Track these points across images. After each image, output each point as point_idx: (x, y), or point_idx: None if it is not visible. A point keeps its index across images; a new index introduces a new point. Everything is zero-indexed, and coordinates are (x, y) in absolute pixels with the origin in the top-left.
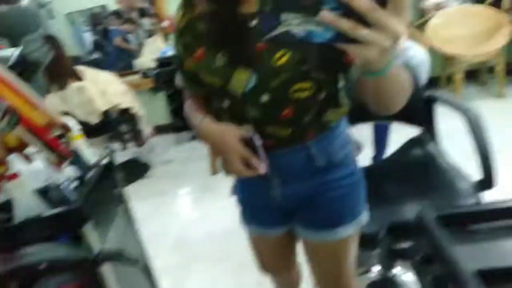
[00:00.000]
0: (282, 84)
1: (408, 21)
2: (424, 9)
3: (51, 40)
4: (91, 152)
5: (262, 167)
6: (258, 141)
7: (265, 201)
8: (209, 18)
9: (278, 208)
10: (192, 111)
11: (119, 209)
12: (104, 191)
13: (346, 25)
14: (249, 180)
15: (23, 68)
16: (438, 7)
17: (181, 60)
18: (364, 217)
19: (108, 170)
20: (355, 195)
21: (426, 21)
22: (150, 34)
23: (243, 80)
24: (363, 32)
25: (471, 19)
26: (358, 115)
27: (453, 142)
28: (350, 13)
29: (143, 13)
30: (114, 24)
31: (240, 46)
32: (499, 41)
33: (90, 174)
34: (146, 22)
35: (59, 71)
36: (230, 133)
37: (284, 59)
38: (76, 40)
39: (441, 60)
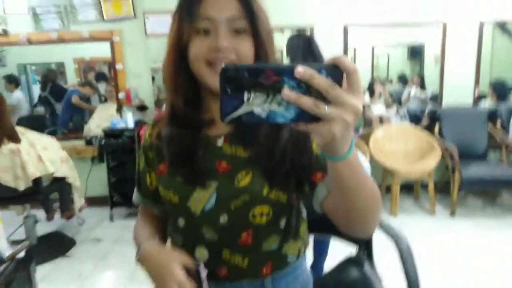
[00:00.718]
0: (242, 206)
1: (363, 101)
2: (369, 120)
3: None
4: (4, 244)
5: None
6: (203, 273)
7: None
8: (170, 140)
9: None
10: (139, 231)
11: None
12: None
13: (308, 102)
14: None
15: None
16: (381, 119)
17: (142, 177)
18: None
19: (23, 264)
20: None
21: (370, 132)
22: (104, 99)
23: (202, 199)
24: (325, 109)
25: (408, 138)
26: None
27: (388, 263)
28: (310, 91)
29: (100, 77)
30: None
31: (200, 167)
32: (431, 162)
33: (3, 268)
34: (101, 86)
35: None
36: (173, 261)
37: (247, 180)
38: (25, 94)
39: (380, 171)
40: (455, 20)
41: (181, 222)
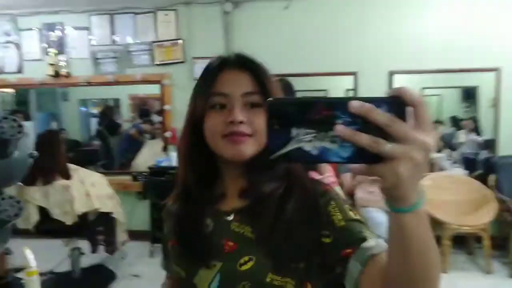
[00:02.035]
0: None
1: (436, 136)
2: None
3: (52, 134)
4: None
5: None
6: None
7: None
8: (179, 217)
9: None
10: None
11: None
12: None
13: (365, 139)
14: None
15: None
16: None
17: (163, 242)
18: None
19: None
20: None
21: None
22: (152, 137)
23: (208, 277)
24: (387, 146)
25: (460, 187)
26: None
27: None
28: (367, 127)
29: (148, 114)
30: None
31: (208, 244)
32: (486, 216)
33: None
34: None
35: (51, 166)
36: None
37: (249, 265)
38: (83, 126)
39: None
40: (509, 65)
41: None
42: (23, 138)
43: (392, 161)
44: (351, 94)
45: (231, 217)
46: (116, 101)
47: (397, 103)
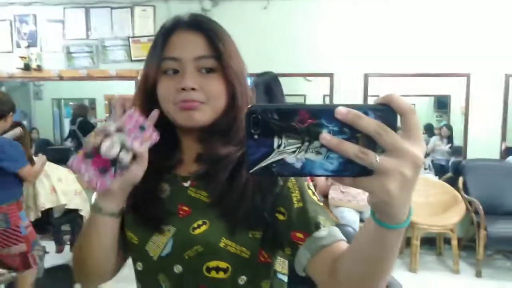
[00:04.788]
0: (196, 257)
1: (425, 149)
2: None
3: (18, 125)
4: None
5: None
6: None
7: None
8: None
9: None
10: None
11: None
12: None
13: (353, 149)
14: None
15: None
16: None
17: None
18: None
19: None
20: None
21: None
22: None
23: (160, 244)
24: (375, 158)
25: (430, 189)
26: None
27: None
28: (355, 138)
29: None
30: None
31: (161, 209)
32: (454, 217)
33: None
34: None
35: None
36: None
37: (202, 229)
38: (55, 125)
39: None
40: (480, 72)
41: (139, 266)
42: None
43: (382, 176)
44: (327, 98)
45: (187, 183)
46: (92, 100)
47: (386, 111)
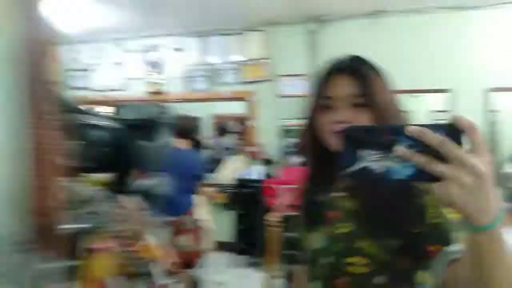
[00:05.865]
0: (338, 253)
1: (491, 163)
2: None
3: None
4: None
5: None
6: None
7: None
8: (301, 198)
9: None
10: None
11: None
12: None
13: (421, 159)
14: None
15: None
16: None
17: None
18: None
19: None
20: None
21: None
22: (231, 152)
23: (316, 240)
24: (439, 167)
25: None
26: None
27: None
28: (427, 150)
29: (226, 131)
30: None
31: (316, 215)
32: None
33: None
34: (226, 140)
35: None
36: None
37: (347, 229)
38: None
39: None
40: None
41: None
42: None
43: (445, 182)
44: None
45: (339, 194)
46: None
47: (453, 129)
